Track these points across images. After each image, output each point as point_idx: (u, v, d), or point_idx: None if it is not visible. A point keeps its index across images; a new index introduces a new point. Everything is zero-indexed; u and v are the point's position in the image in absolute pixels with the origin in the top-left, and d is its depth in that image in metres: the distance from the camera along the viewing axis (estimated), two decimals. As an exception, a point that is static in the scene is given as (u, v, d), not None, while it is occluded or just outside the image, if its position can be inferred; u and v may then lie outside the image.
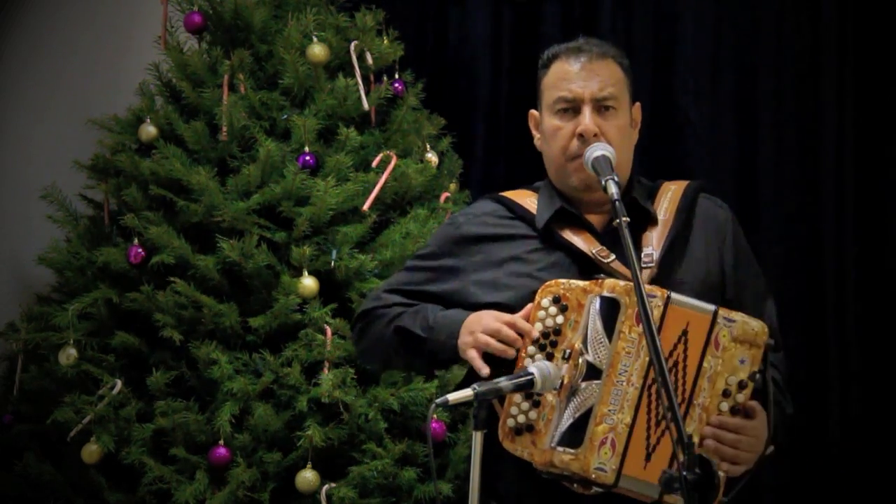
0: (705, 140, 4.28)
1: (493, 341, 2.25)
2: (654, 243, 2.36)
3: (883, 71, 4.09)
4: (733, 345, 2.23)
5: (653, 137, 4.19)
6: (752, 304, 2.42)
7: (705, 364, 2.23)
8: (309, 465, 3.39)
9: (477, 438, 2.08)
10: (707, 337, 2.23)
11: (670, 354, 2.21)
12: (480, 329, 2.28)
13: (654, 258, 2.33)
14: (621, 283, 2.22)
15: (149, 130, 3.75)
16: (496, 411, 2.27)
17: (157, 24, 3.90)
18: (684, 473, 1.89)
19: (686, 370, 2.22)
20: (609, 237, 2.37)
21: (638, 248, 2.33)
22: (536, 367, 2.16)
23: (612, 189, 2.22)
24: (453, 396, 2.09)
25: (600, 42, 2.44)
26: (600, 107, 2.37)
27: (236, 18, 3.80)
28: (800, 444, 3.87)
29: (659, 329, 2.18)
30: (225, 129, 3.67)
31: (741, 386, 2.23)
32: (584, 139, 2.35)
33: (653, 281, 2.29)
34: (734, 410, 2.23)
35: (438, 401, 2.08)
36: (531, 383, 2.15)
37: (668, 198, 2.45)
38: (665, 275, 2.33)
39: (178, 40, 3.87)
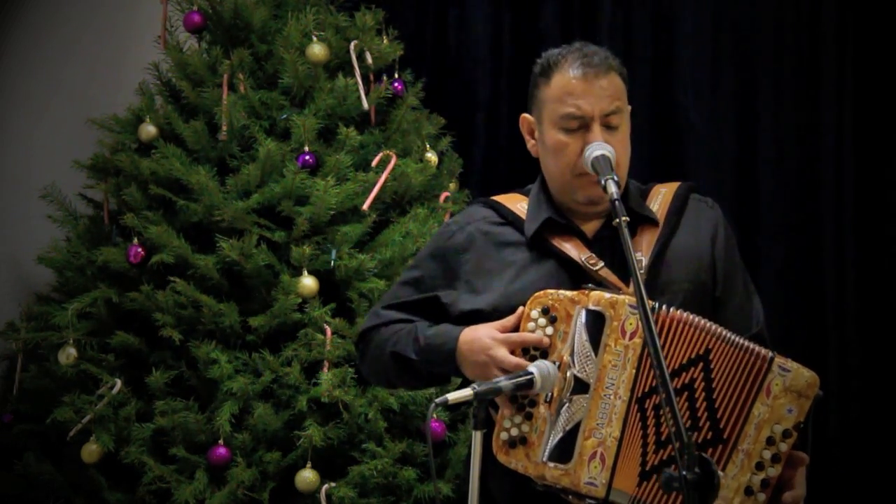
0: (705, 140, 4.28)
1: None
2: (643, 248, 2.35)
3: (883, 71, 4.09)
4: (784, 394, 2.22)
5: (653, 137, 4.20)
6: (740, 304, 2.42)
7: (754, 411, 2.22)
8: (308, 465, 3.39)
9: (477, 438, 2.08)
10: (760, 384, 2.22)
11: (678, 374, 2.21)
12: (494, 365, 2.24)
13: (644, 264, 2.32)
14: (606, 295, 2.21)
15: (148, 130, 3.75)
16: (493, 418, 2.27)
17: (157, 23, 3.90)
18: (684, 473, 1.89)
19: (717, 403, 2.21)
20: (599, 244, 2.37)
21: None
22: (536, 366, 2.16)
23: (612, 188, 2.21)
24: (453, 396, 2.09)
25: (599, 50, 2.40)
26: (607, 123, 2.34)
27: (236, 18, 3.80)
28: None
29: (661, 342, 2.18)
30: (225, 128, 3.67)
31: (785, 435, 2.22)
32: None
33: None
34: (775, 458, 2.23)
35: (438, 400, 2.08)
36: (531, 383, 2.15)
37: (659, 201, 2.44)
38: (655, 280, 2.32)
39: (178, 40, 3.87)
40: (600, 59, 2.37)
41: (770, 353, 2.23)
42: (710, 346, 2.23)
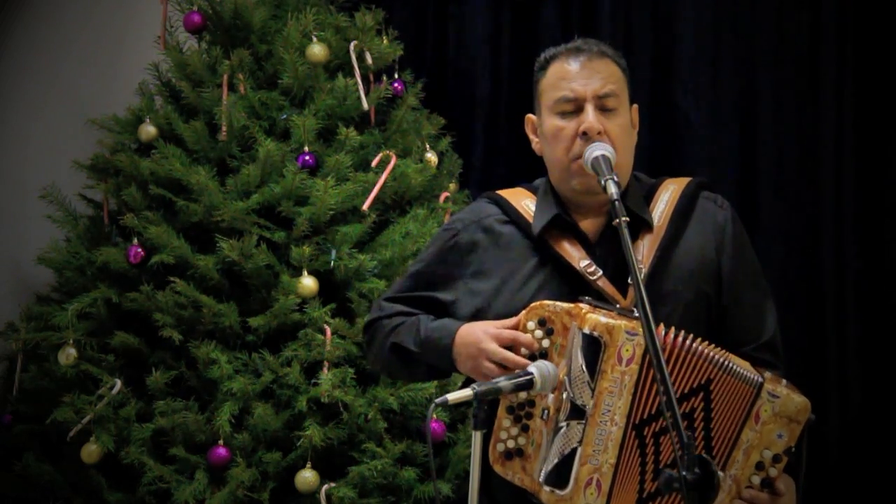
0: (705, 140, 4.28)
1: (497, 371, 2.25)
2: (644, 252, 2.33)
3: (883, 71, 4.09)
4: (773, 419, 2.22)
5: (653, 137, 4.20)
6: (751, 313, 2.40)
7: (743, 436, 2.22)
8: (308, 465, 3.39)
9: (476, 438, 2.08)
10: (748, 409, 2.22)
11: (679, 404, 2.15)
12: (484, 357, 2.26)
13: (644, 273, 2.28)
14: (603, 319, 2.18)
15: (148, 130, 3.75)
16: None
17: (157, 23, 3.90)
18: (684, 473, 1.89)
19: (713, 431, 2.21)
20: (600, 247, 2.36)
21: None
22: (536, 366, 2.16)
23: (612, 189, 2.20)
24: (453, 396, 2.09)
25: (598, 42, 2.42)
26: (602, 105, 2.34)
27: (236, 18, 3.80)
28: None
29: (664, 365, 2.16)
30: (224, 128, 3.67)
31: (775, 460, 2.22)
32: (587, 137, 2.31)
33: None
34: (764, 483, 2.23)
35: (438, 400, 2.08)
36: (531, 383, 2.15)
37: (666, 199, 2.41)
38: (655, 289, 2.29)
39: (178, 40, 3.87)
40: (594, 45, 2.40)
41: (759, 379, 2.22)
42: (711, 377, 2.21)
